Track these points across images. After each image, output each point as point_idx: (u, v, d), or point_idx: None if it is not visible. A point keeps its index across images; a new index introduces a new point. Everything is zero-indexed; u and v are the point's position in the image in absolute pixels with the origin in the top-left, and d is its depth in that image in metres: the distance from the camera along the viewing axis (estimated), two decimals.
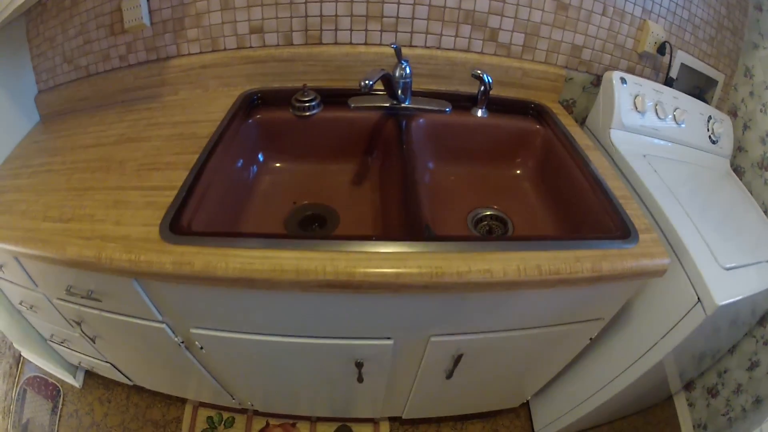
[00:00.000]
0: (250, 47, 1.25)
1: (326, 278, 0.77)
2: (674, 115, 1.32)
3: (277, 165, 1.23)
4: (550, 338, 1.10)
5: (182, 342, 1.08)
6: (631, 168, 1.17)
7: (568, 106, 1.41)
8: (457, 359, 1.06)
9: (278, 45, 1.24)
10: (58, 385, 1.69)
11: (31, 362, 1.63)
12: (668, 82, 1.42)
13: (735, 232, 1.22)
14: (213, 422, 1.64)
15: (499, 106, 1.23)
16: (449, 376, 1.12)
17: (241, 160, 1.15)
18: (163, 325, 1.02)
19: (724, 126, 1.47)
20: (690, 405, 1.97)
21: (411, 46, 1.23)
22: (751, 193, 1.67)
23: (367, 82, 0.95)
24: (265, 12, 1.21)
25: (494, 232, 1.14)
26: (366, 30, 1.21)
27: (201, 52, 1.27)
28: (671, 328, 1.08)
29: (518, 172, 1.26)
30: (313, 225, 1.11)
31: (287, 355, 1.07)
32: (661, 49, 1.37)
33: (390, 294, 0.84)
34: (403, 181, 0.97)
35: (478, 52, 1.25)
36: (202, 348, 1.07)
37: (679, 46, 1.47)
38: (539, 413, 1.68)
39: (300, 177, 1.21)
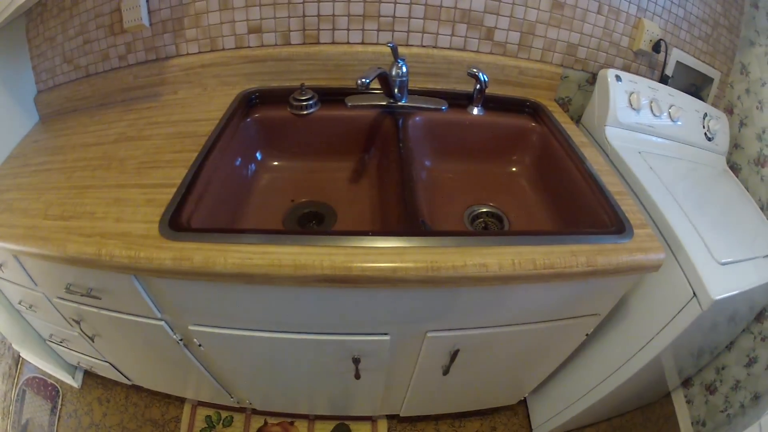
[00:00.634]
0: (249, 47, 1.27)
1: (324, 273, 0.78)
2: (669, 113, 1.34)
3: (276, 163, 1.25)
4: (546, 334, 1.12)
5: (181, 339, 1.10)
6: (626, 164, 1.19)
7: (564, 104, 1.43)
8: (454, 355, 1.08)
9: (276, 45, 1.26)
10: (57, 385, 1.71)
11: (30, 363, 1.65)
12: (663, 79, 1.44)
13: (731, 227, 1.24)
14: (211, 421, 1.66)
15: (495, 104, 1.25)
16: (446, 372, 1.14)
17: (240, 158, 1.17)
18: (162, 323, 1.03)
19: (720, 123, 1.49)
20: (688, 402, 1.99)
21: (408, 45, 1.25)
22: (748, 190, 1.69)
23: (363, 80, 0.97)
24: (263, 12, 1.23)
25: (490, 229, 1.16)
26: (363, 29, 1.23)
27: (200, 52, 1.29)
28: (667, 323, 1.09)
29: (514, 169, 1.28)
30: (311, 222, 1.12)
31: (285, 351, 1.08)
32: (657, 47, 1.39)
33: (387, 288, 0.86)
34: (400, 178, 0.99)
35: (475, 51, 1.28)
36: (200, 345, 1.09)
37: (675, 44, 1.49)
38: (537, 411, 1.70)
39: (298, 175, 1.23)
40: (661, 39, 1.39)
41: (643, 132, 1.30)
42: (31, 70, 1.31)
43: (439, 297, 0.92)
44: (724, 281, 1.02)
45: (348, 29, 1.23)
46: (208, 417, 1.67)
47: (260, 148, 1.24)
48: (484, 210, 1.18)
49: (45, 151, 1.17)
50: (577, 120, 1.46)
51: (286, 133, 1.22)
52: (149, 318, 1.03)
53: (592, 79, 1.39)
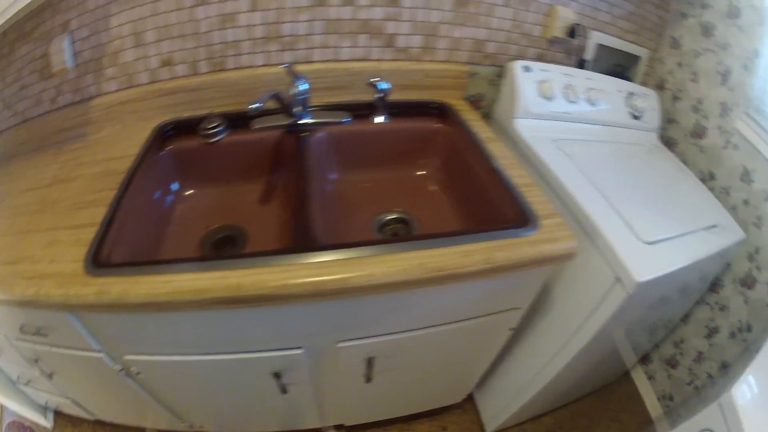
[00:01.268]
0: (162, 80, 1.31)
1: (220, 295, 0.82)
2: (588, 96, 1.35)
3: (191, 191, 1.29)
4: (465, 332, 1.13)
5: (121, 369, 1.15)
6: (536, 154, 1.20)
7: (476, 101, 1.44)
8: (370, 362, 1.10)
9: (186, 75, 1.31)
10: (32, 427, 1.77)
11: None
12: (581, 64, 1.45)
13: (665, 204, 1.24)
14: None
15: (400, 110, 1.27)
16: (369, 380, 1.16)
17: (158, 191, 1.22)
18: (101, 354, 1.08)
19: (647, 101, 1.49)
20: (650, 378, 1.98)
21: (310, 62, 1.28)
22: (686, 164, 1.67)
23: (255, 105, 1.00)
24: (172, 45, 1.28)
25: (399, 235, 1.17)
26: (266, 51, 1.27)
27: (119, 90, 1.34)
28: (594, 309, 1.10)
29: (423, 172, 1.31)
30: (225, 246, 1.16)
31: (213, 372, 1.12)
32: (572, 32, 1.39)
33: (284, 304, 0.89)
34: (297, 196, 1.03)
35: (377, 60, 1.30)
36: (139, 373, 1.13)
37: (594, 27, 1.48)
38: (485, 405, 1.71)
39: (213, 201, 1.27)
40: (576, 24, 1.39)
41: (559, 119, 1.31)
42: None
43: (340, 308, 0.95)
44: (650, 262, 1.02)
45: (252, 53, 1.27)
46: None
47: (176, 179, 1.28)
48: (393, 216, 1.21)
49: None
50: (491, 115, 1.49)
51: (198, 161, 1.26)
52: (90, 351, 1.08)
53: (503, 73, 1.40)
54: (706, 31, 1.70)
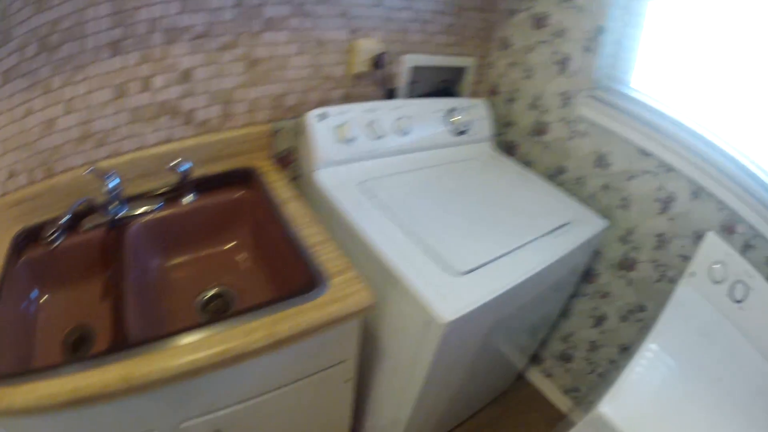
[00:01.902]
0: (10, 192, 1.40)
1: (57, 401, 0.89)
2: (397, 127, 1.36)
3: (46, 297, 1.37)
4: (303, 391, 1.18)
5: None
6: (334, 205, 1.21)
7: (287, 157, 1.47)
8: None
9: (27, 184, 1.39)
10: None
11: None
12: (390, 94, 1.46)
13: (494, 222, 1.25)
14: None
15: (208, 185, 1.32)
16: None
17: (24, 302, 1.31)
18: None
19: (473, 112, 1.49)
20: (548, 376, 2.00)
21: (120, 154, 1.34)
22: (532, 164, 1.67)
23: (64, 220, 1.09)
24: (13, 156, 1.37)
25: (222, 311, 1.23)
26: (83, 151, 1.34)
27: None
28: (417, 351, 1.12)
29: (235, 243, 1.36)
30: (80, 346, 1.26)
31: None
32: (378, 63, 1.39)
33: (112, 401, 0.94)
34: (114, 293, 1.11)
35: (180, 139, 1.35)
36: None
37: (406, 50, 1.49)
38: None
39: (66, 303, 1.35)
40: (382, 53, 1.40)
41: (365, 159, 1.32)
42: None
43: (170, 393, 1.00)
44: (461, 296, 1.02)
45: (73, 154, 1.34)
46: None
47: (34, 287, 1.37)
48: (212, 293, 1.27)
49: None
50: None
51: (46, 267, 1.34)
52: None
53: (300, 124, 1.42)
54: (539, 22, 1.67)
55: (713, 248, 1.41)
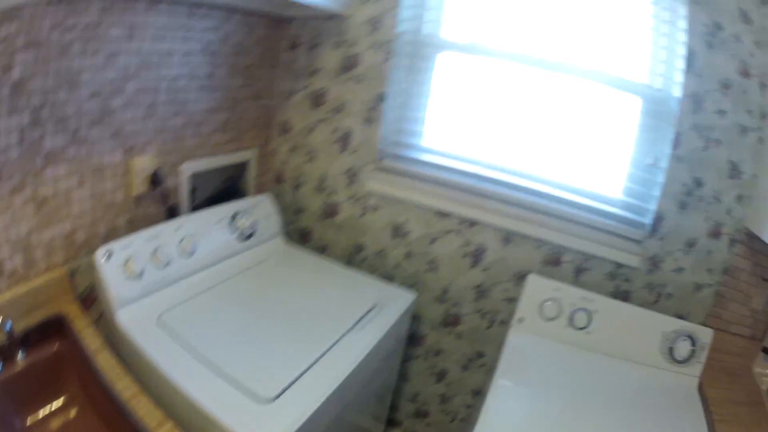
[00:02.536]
0: None
1: None
2: (182, 249, 1.41)
3: None
4: None
5: None
6: (138, 349, 1.22)
7: (90, 295, 1.43)
8: None
9: None
10: None
11: None
12: (172, 212, 1.52)
13: (294, 333, 1.35)
14: None
15: (30, 339, 1.25)
16: None
17: None
18: None
19: (258, 210, 1.64)
20: None
21: None
22: (328, 249, 1.86)
23: None
24: None
25: None
26: None
27: None
28: None
29: (65, 398, 1.29)
30: None
31: None
32: (155, 179, 1.46)
33: None
34: None
35: None
36: None
37: (183, 159, 1.57)
38: None
39: None
40: (157, 169, 1.46)
41: (158, 290, 1.35)
42: None
43: None
44: (274, 424, 1.08)
45: None
46: None
47: None
48: None
49: None
50: None
51: None
52: None
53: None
54: (317, 100, 1.82)
55: (538, 289, 1.54)
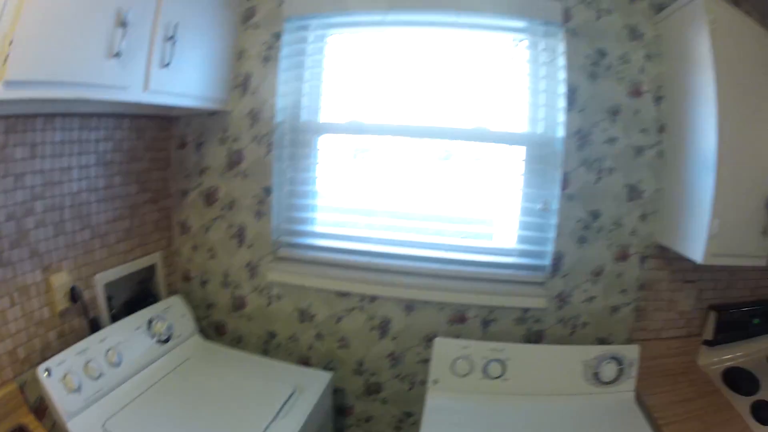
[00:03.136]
0: None
1: None
2: (108, 360, 1.59)
3: None
4: None
5: None
6: None
7: (42, 405, 1.53)
8: None
9: None
10: None
11: None
12: (95, 324, 1.68)
13: (219, 428, 1.55)
14: None
15: None
16: None
17: None
18: None
19: (172, 312, 1.87)
20: None
21: None
22: (243, 342, 2.14)
23: None
24: None
25: None
26: None
27: None
28: None
29: None
30: None
31: None
32: (74, 294, 1.61)
33: None
34: None
35: None
36: None
37: (95, 271, 1.74)
38: None
39: None
40: (73, 286, 1.62)
41: (98, 399, 1.53)
42: None
43: None
44: None
45: None
46: None
47: None
48: None
49: None
50: None
51: None
52: None
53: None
54: (209, 198, 2.04)
55: (446, 350, 1.68)
